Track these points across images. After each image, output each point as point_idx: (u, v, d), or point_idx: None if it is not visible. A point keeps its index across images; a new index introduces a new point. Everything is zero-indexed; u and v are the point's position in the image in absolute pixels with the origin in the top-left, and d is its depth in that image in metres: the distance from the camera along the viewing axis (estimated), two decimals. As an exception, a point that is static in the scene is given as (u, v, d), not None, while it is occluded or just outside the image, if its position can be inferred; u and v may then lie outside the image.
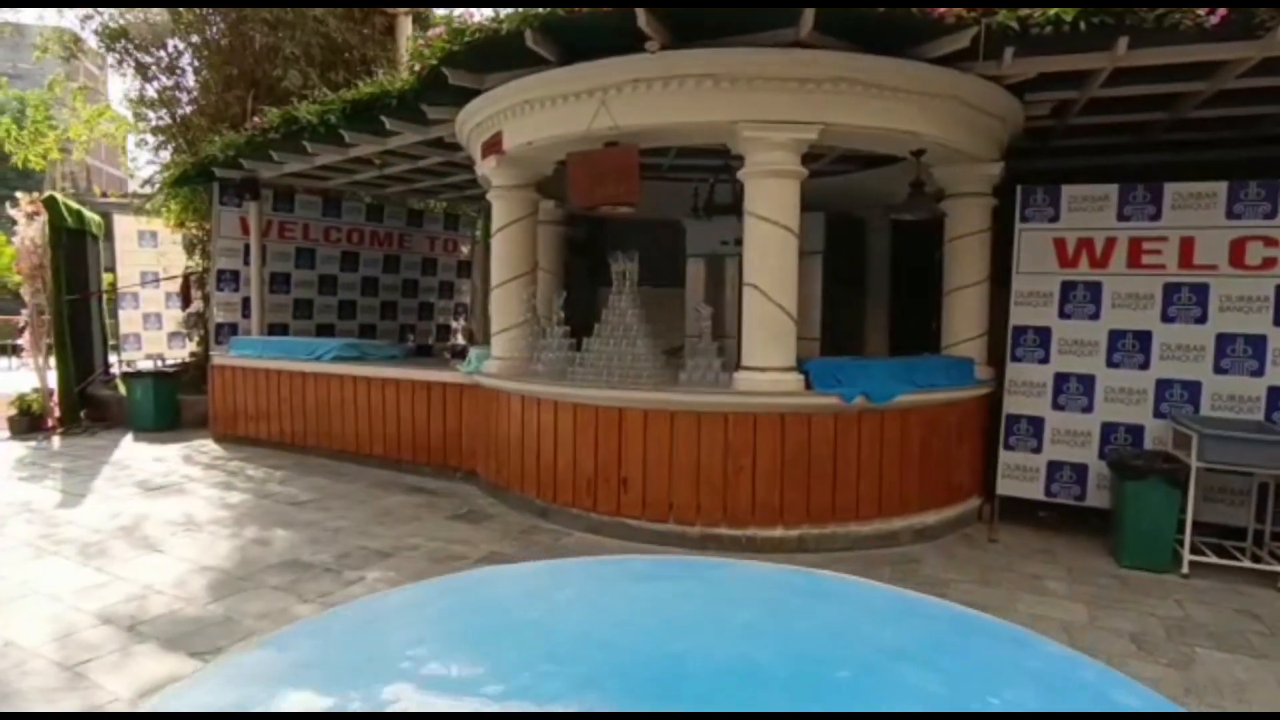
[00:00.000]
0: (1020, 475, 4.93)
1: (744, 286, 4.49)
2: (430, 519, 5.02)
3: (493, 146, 5.21)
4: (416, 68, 5.07)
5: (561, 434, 4.88)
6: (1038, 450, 4.89)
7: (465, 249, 11.28)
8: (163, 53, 8.87)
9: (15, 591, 3.66)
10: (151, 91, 8.99)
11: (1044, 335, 4.83)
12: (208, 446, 7.29)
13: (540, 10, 4.05)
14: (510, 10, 4.19)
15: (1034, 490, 4.89)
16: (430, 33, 5.26)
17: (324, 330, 9.30)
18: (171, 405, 8.25)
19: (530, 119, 4.79)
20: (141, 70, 8.74)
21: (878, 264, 7.20)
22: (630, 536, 4.56)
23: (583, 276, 8.17)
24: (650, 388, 4.56)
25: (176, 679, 2.82)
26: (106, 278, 10.21)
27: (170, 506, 5.16)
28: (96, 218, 10.12)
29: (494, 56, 4.60)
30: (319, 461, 6.65)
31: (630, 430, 4.59)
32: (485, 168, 5.45)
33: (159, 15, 8.56)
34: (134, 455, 6.87)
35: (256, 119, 6.78)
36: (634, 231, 7.89)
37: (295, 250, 9.20)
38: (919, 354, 5.43)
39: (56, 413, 7.98)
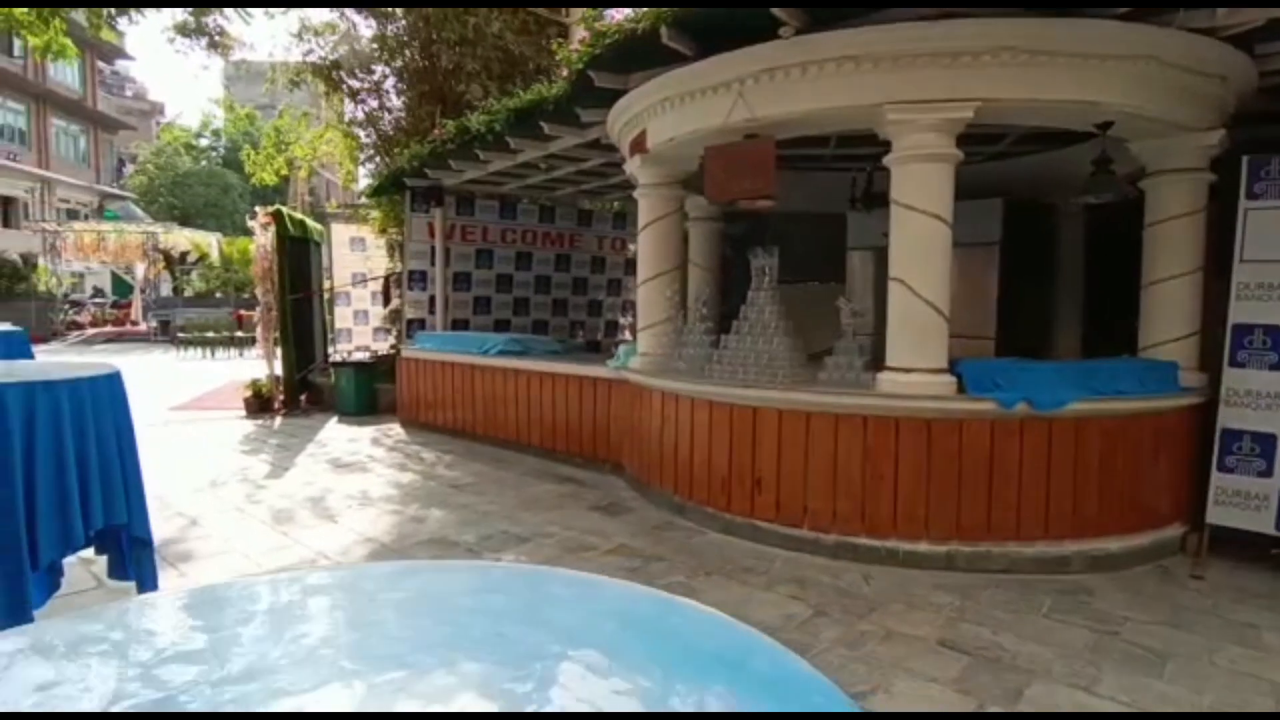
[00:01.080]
0: (1240, 503, 4.14)
1: (889, 281, 4.18)
2: (572, 508, 5.19)
3: (638, 145, 5.27)
4: (564, 73, 5.25)
5: (698, 431, 4.84)
6: (1268, 473, 4.08)
7: (632, 247, 11.55)
8: (369, 79, 9.92)
9: (218, 548, 4.27)
10: (360, 114, 10.09)
11: (1276, 335, 4.02)
12: (394, 430, 8.06)
13: (674, 8, 4.04)
14: (646, 9, 4.21)
15: (1261, 522, 4.08)
16: (577, 37, 5.42)
17: (500, 326, 9.95)
18: (370, 392, 9.22)
19: (670, 115, 4.79)
20: (352, 95, 9.84)
21: (1070, 254, 6.40)
22: (762, 539, 4.41)
23: (742, 273, 8.05)
24: (785, 387, 4.38)
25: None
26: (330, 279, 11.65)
27: (352, 482, 5.77)
28: (318, 226, 11.57)
29: (634, 56, 4.65)
30: (484, 449, 7.12)
31: (765, 430, 4.44)
32: (632, 166, 5.53)
33: (365, 45, 9.59)
34: (333, 436, 7.77)
35: (437, 131, 7.39)
36: (796, 225, 7.64)
37: (475, 251, 9.92)
38: (1118, 356, 4.74)
39: (281, 397, 9.21)
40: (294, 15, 9.47)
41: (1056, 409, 3.92)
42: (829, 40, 3.92)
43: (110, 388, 2.28)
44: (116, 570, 2.88)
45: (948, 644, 3.17)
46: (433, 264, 9.27)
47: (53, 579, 2.48)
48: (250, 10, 8.97)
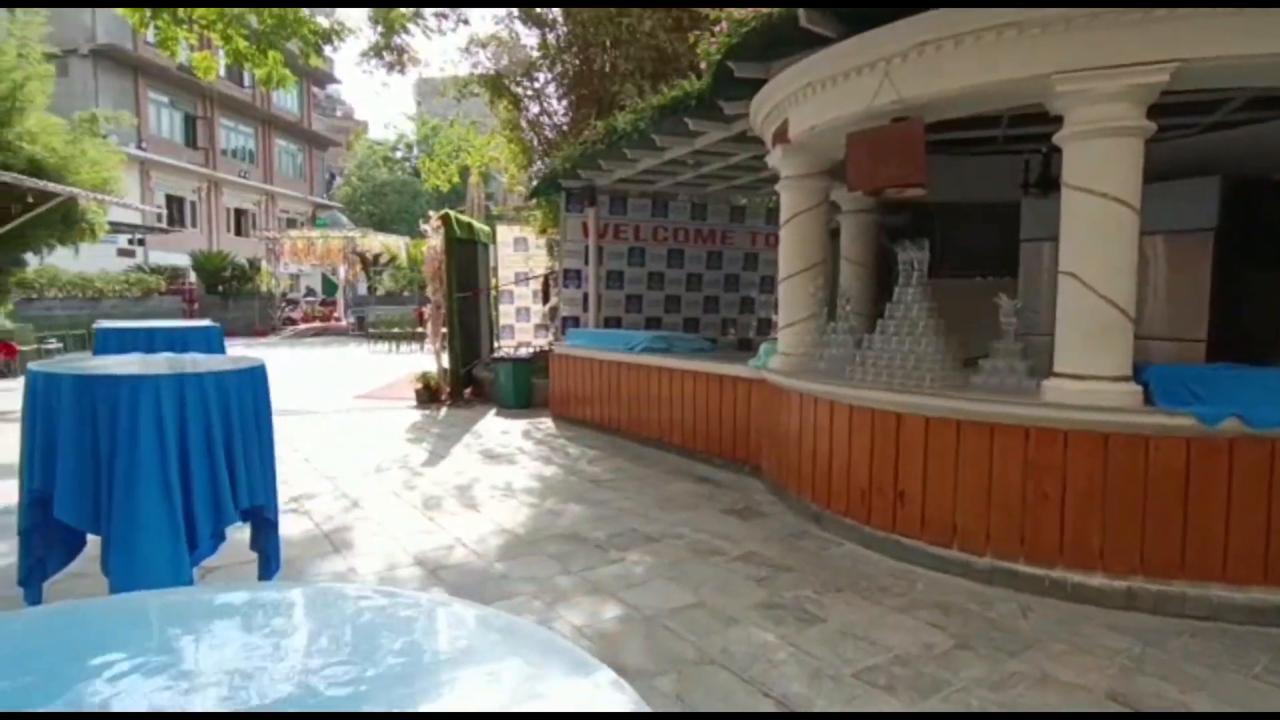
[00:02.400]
0: None
1: (1059, 275, 3.68)
2: (706, 510, 5.08)
3: (780, 136, 5.05)
4: (702, 66, 5.13)
5: (837, 436, 4.55)
6: None
7: (787, 243, 11.21)
8: (531, 85, 10.36)
9: (372, 529, 4.60)
10: (524, 120, 10.57)
11: None
12: (545, 424, 8.35)
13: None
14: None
15: None
16: (717, 28, 5.29)
17: (651, 324, 10.01)
18: (526, 386, 9.62)
19: (812, 102, 4.53)
20: (515, 102, 10.32)
21: (1308, 241, 5.34)
22: (906, 557, 4.06)
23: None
24: (933, 392, 4.00)
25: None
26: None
27: (499, 473, 6.03)
28: (485, 228, 12.28)
29: (773, 43, 4.45)
30: (627, 445, 7.18)
31: (909, 438, 4.09)
32: (774, 158, 5.31)
33: (526, 54, 10.01)
34: (489, 428, 8.18)
35: (587, 132, 7.54)
36: (963, 215, 7.05)
37: (627, 250, 10.05)
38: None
39: (447, 389, 9.86)
40: (463, 31, 10.09)
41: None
42: (986, 9, 3.50)
43: (253, 380, 2.50)
44: (254, 544, 3.17)
45: (1119, 698, 2.73)
46: (586, 263, 9.51)
47: (214, 544, 2.75)
48: (428, 25, 9.64)
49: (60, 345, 13.51)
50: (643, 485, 5.75)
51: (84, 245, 13.82)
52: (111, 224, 15.44)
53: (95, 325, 4.64)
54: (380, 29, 9.49)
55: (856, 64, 4.10)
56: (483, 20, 32.98)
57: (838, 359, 4.76)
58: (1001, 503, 3.76)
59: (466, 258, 10.65)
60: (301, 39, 10.07)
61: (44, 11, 12.55)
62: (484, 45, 9.73)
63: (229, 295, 22.77)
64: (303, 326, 24.08)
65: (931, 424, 3.97)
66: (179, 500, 2.24)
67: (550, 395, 8.89)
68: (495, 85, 10.22)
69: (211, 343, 4.57)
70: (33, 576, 2.93)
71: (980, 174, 6.75)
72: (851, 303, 5.28)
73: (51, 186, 11.57)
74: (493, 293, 12.12)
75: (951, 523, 3.92)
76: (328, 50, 11.18)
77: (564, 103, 10.76)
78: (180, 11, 9.26)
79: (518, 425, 8.27)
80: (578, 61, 9.62)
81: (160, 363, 2.59)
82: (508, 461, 6.50)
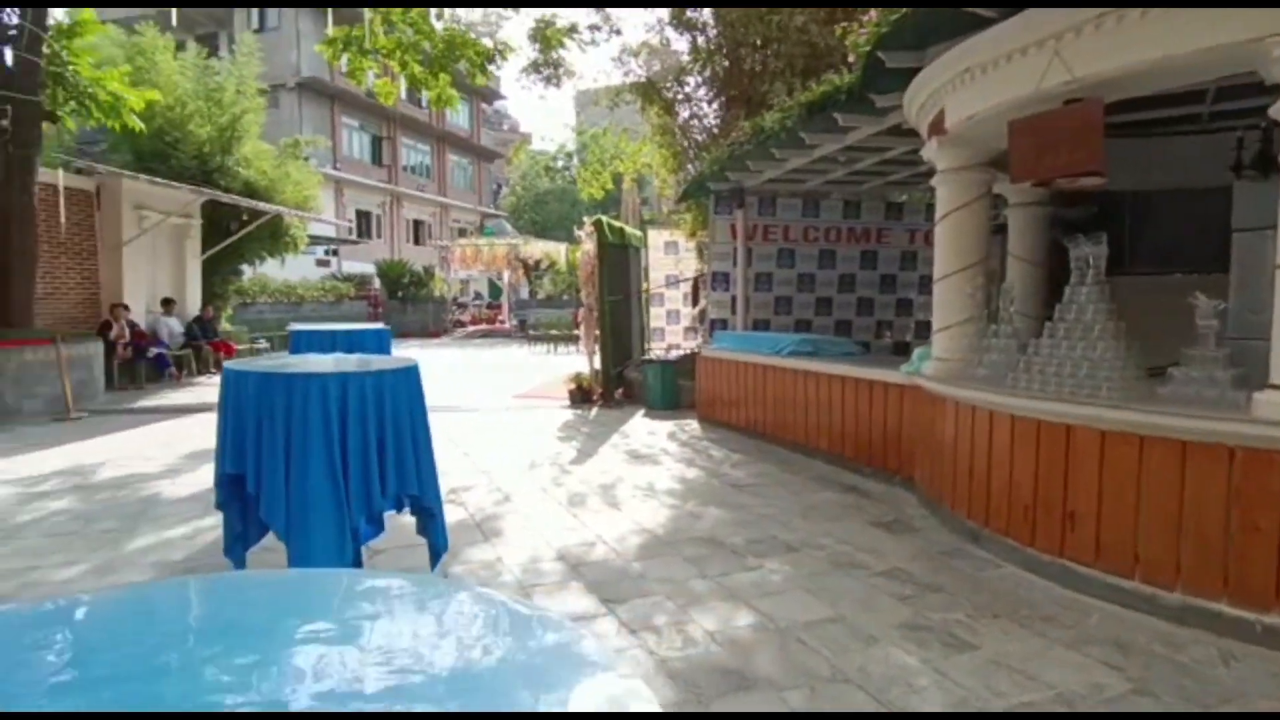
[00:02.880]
0: None
1: (1276, 270, 3.17)
2: (851, 521, 4.87)
3: (935, 126, 4.75)
4: (852, 59, 4.93)
5: (997, 449, 4.20)
6: None
7: (950, 240, 10.52)
8: (681, 90, 10.45)
9: (520, 522, 4.83)
10: (675, 124, 10.69)
11: None
12: (691, 426, 8.38)
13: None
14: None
15: None
16: (865, 18, 5.05)
17: (801, 326, 9.76)
18: (674, 388, 9.70)
19: (971, 89, 4.21)
20: (666, 107, 10.46)
21: None
22: (1077, 585, 3.67)
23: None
24: (1110, 403, 3.58)
25: (587, 616, 3.35)
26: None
27: (643, 473, 6.12)
28: (637, 233, 12.54)
29: (927, 29, 4.19)
30: (773, 450, 7.04)
31: (1081, 453, 3.68)
32: (929, 151, 5.00)
33: (675, 59, 10.12)
34: (637, 428, 8.33)
35: (735, 133, 7.49)
36: (1160, 205, 6.32)
37: (777, 251, 9.87)
38: None
39: (599, 390, 10.16)
40: (616, 41, 10.38)
41: None
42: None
43: (408, 379, 2.71)
44: (419, 530, 3.41)
45: (1343, 769, 2.31)
46: (735, 265, 9.44)
47: (374, 529, 3.00)
48: (582, 38, 10.01)
49: (268, 345, 15.34)
50: (786, 491, 5.62)
51: (288, 256, 15.63)
52: (311, 237, 17.37)
53: (289, 328, 5.23)
54: (538, 46, 9.95)
55: (1021, 44, 3.76)
56: (634, 29, 33.80)
57: (999, 365, 4.39)
58: (1197, 532, 3.29)
59: (618, 262, 10.91)
60: (468, 60, 10.79)
61: (258, 51, 14.35)
62: (635, 54, 9.94)
63: (407, 300, 24.83)
64: (471, 328, 25.77)
65: (1108, 438, 3.56)
66: (342, 487, 2.48)
67: (697, 397, 8.91)
68: (647, 92, 10.41)
69: (382, 343, 5.03)
70: (235, 547, 3.35)
71: (1177, 157, 6.00)
72: (1016, 303, 4.85)
73: (263, 205, 13.20)
74: (643, 296, 12.35)
75: (1132, 551, 3.49)
76: (492, 68, 11.87)
77: (714, 105, 10.75)
78: (366, 43, 10.22)
79: (664, 427, 8.36)
80: (727, 63, 9.58)
81: (331, 362, 2.88)
82: (652, 462, 6.58)
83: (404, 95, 23.25)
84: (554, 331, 19.38)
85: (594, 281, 10.15)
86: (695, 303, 12.02)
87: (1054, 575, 3.77)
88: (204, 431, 7.00)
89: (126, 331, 11.30)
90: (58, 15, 10.37)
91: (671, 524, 4.81)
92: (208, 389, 11.37)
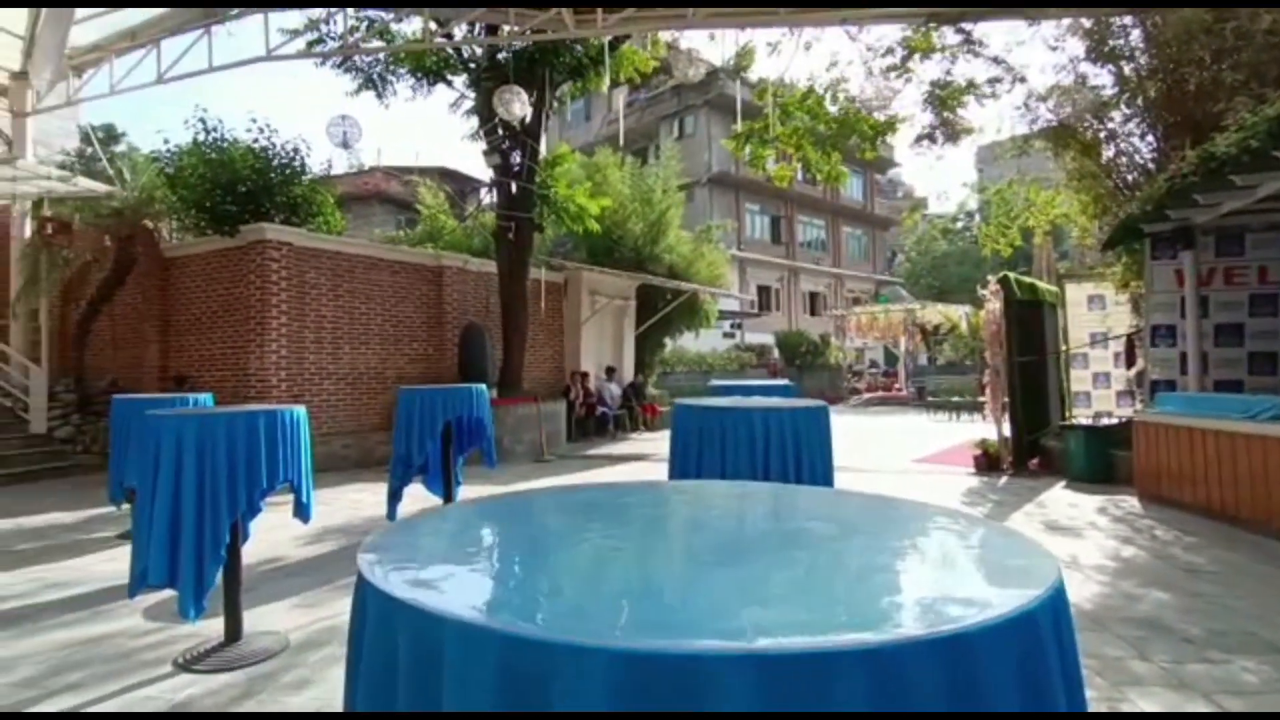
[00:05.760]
0: None
1: None
2: (1373, 630, 3.78)
3: None
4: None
5: None
6: None
7: None
8: (1103, 127, 9.42)
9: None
10: (1094, 166, 9.64)
11: None
12: (1126, 502, 7.23)
13: None
14: None
15: None
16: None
17: (1290, 388, 7.82)
18: (1103, 458, 8.47)
19: None
20: (1085, 149, 9.51)
21: None
22: None
23: None
24: None
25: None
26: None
27: (1062, 545, 5.53)
28: (1052, 289, 11.40)
29: None
30: (1244, 535, 5.74)
31: None
32: None
33: (1093, 95, 9.20)
34: (1056, 498, 7.48)
35: (1172, 166, 6.54)
36: None
37: (1249, 297, 8.14)
38: None
39: (1008, 458, 9.36)
40: (1018, 90, 9.85)
41: None
42: None
43: (819, 417, 3.07)
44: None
45: None
46: (1182, 316, 8.03)
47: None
48: (980, 92, 9.72)
49: (684, 408, 17.37)
50: (1266, 584, 4.56)
51: (701, 330, 17.68)
52: (720, 312, 19.38)
53: (710, 383, 6.11)
54: (931, 111, 9.97)
55: None
56: (1041, 74, 31.15)
57: None
58: None
59: (1029, 320, 10.06)
60: (859, 134, 11.28)
61: (677, 156, 16.98)
62: (1044, 98, 9.29)
63: (804, 368, 25.82)
64: (867, 395, 25.62)
65: None
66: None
67: (1135, 469, 7.66)
68: (1059, 136, 9.60)
69: (786, 393, 5.55)
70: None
71: None
72: None
73: (683, 285, 15.30)
74: (1062, 357, 11.07)
75: None
76: (885, 140, 12.18)
77: (1147, 138, 9.42)
78: (766, 134, 11.39)
79: (1090, 500, 7.36)
80: (1165, 86, 8.39)
81: (752, 402, 3.40)
82: (1074, 535, 5.89)
83: (800, 176, 24.80)
84: (955, 398, 18.28)
85: (1001, 341, 9.52)
86: (1130, 363, 10.38)
87: None
88: (639, 473, 8.35)
89: (582, 394, 13.97)
90: (544, 150, 13.67)
91: (1100, 600, 4.30)
92: (639, 443, 13.39)
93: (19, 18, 10.71)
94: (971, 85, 9.55)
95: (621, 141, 16.01)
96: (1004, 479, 8.89)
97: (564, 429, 12.71)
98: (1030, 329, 10.08)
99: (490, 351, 11.91)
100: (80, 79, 11.94)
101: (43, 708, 3.05)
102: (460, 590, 0.85)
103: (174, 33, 11.01)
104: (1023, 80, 9.62)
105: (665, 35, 12.69)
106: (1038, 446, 9.72)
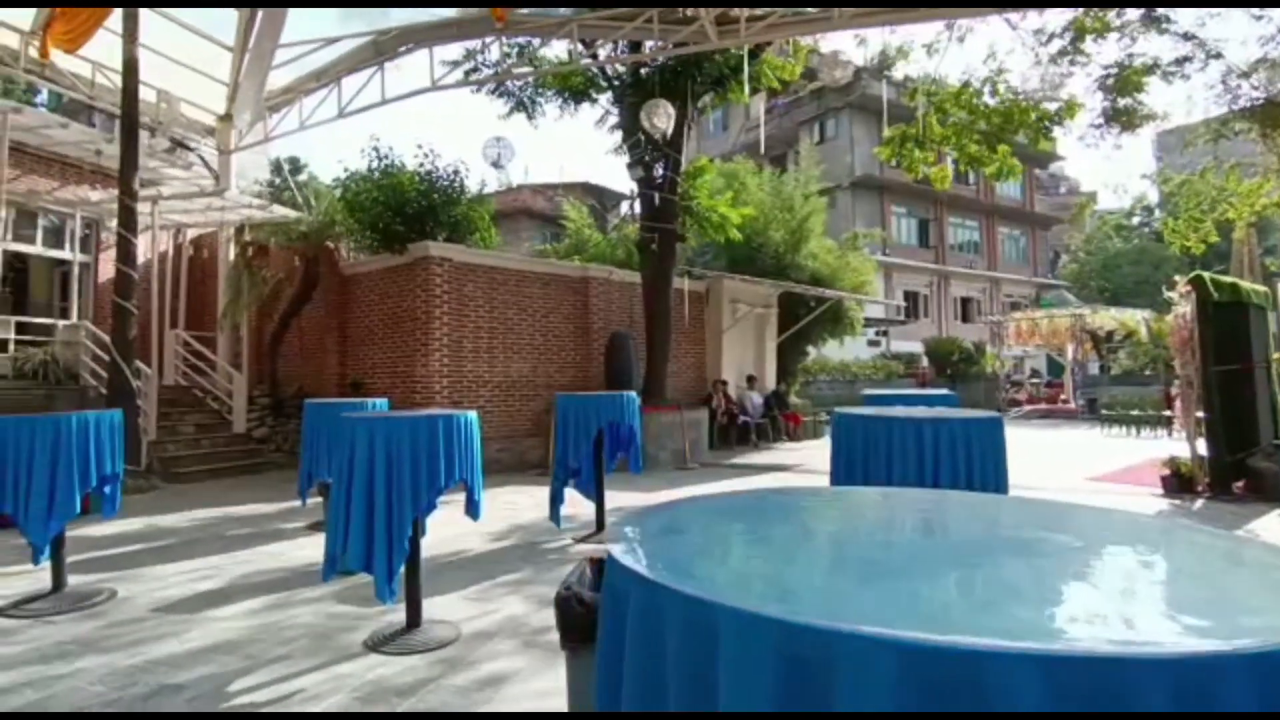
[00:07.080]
0: None
1: None
2: None
3: None
4: None
5: None
6: None
7: None
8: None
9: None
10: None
11: None
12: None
13: None
14: None
15: None
16: None
17: None
18: (1328, 482, 7.38)
19: None
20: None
21: None
22: None
23: None
24: None
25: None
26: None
27: None
28: (1260, 288, 10.08)
29: None
30: None
31: None
32: None
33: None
34: (1267, 527, 6.59)
35: None
36: None
37: None
38: None
39: (1205, 479, 8.36)
40: (1213, 69, 8.81)
41: None
42: None
43: (993, 429, 2.89)
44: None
45: None
46: None
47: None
48: (1167, 70, 8.79)
49: (827, 417, 16.90)
50: None
51: (846, 338, 17.14)
52: (866, 319, 18.71)
53: (862, 393, 5.90)
54: (1110, 96, 9.15)
55: None
56: (1243, 46, 27.42)
57: None
58: None
59: (1229, 324, 8.94)
60: (1028, 126, 10.52)
61: (817, 160, 16.66)
62: (1246, 74, 8.25)
63: (956, 377, 24.37)
64: (1028, 408, 23.78)
65: None
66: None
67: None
68: (1268, 115, 8.50)
69: (949, 403, 5.25)
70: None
71: None
72: None
73: (826, 292, 14.91)
74: (1275, 366, 9.75)
75: None
76: (1056, 130, 11.30)
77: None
78: (922, 135, 10.89)
79: (1314, 528, 6.43)
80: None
81: (917, 411, 3.25)
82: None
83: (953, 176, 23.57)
84: (1135, 412, 16.57)
85: (1193, 349, 8.52)
86: (1367, 372, 8.97)
87: None
88: (786, 484, 8.17)
89: (724, 403, 13.92)
90: (685, 162, 13.80)
91: None
92: (782, 452, 13.16)
93: (224, 67, 12.18)
94: (1155, 65, 8.67)
95: (762, 149, 15.90)
96: (1200, 502, 7.95)
97: (706, 437, 12.71)
98: (1232, 334, 8.95)
99: (636, 360, 12.14)
100: (275, 117, 13.40)
101: (256, 679, 3.42)
102: (728, 580, 0.86)
103: (352, 70, 12.13)
104: (1218, 56, 8.62)
105: (807, 39, 12.47)
106: (1244, 467, 8.61)
